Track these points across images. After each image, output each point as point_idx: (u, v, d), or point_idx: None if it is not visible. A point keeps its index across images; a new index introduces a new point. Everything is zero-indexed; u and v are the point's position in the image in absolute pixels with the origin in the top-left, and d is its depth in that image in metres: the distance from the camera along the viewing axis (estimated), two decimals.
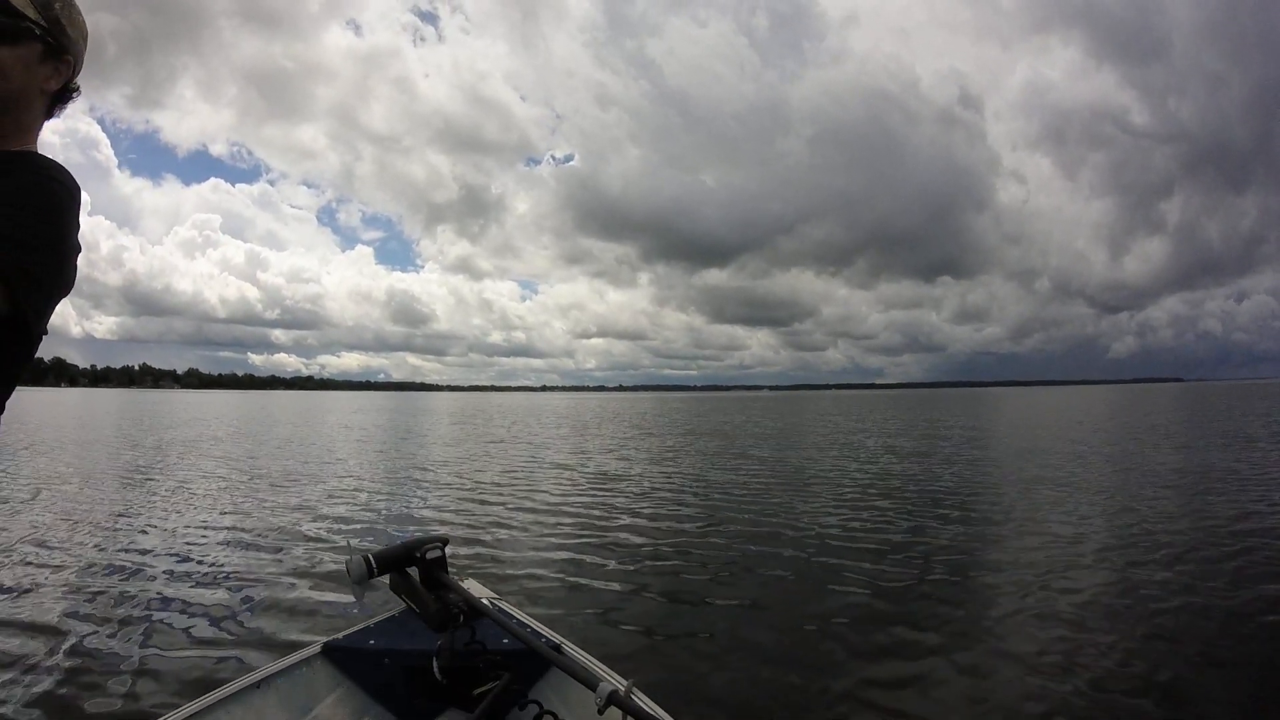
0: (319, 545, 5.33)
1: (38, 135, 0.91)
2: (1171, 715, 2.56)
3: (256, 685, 1.58)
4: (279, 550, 5.16)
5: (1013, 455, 11.58)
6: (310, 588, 4.18)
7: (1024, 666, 2.95)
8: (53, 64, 0.88)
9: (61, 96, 0.93)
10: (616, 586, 4.19)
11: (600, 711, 1.19)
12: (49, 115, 0.93)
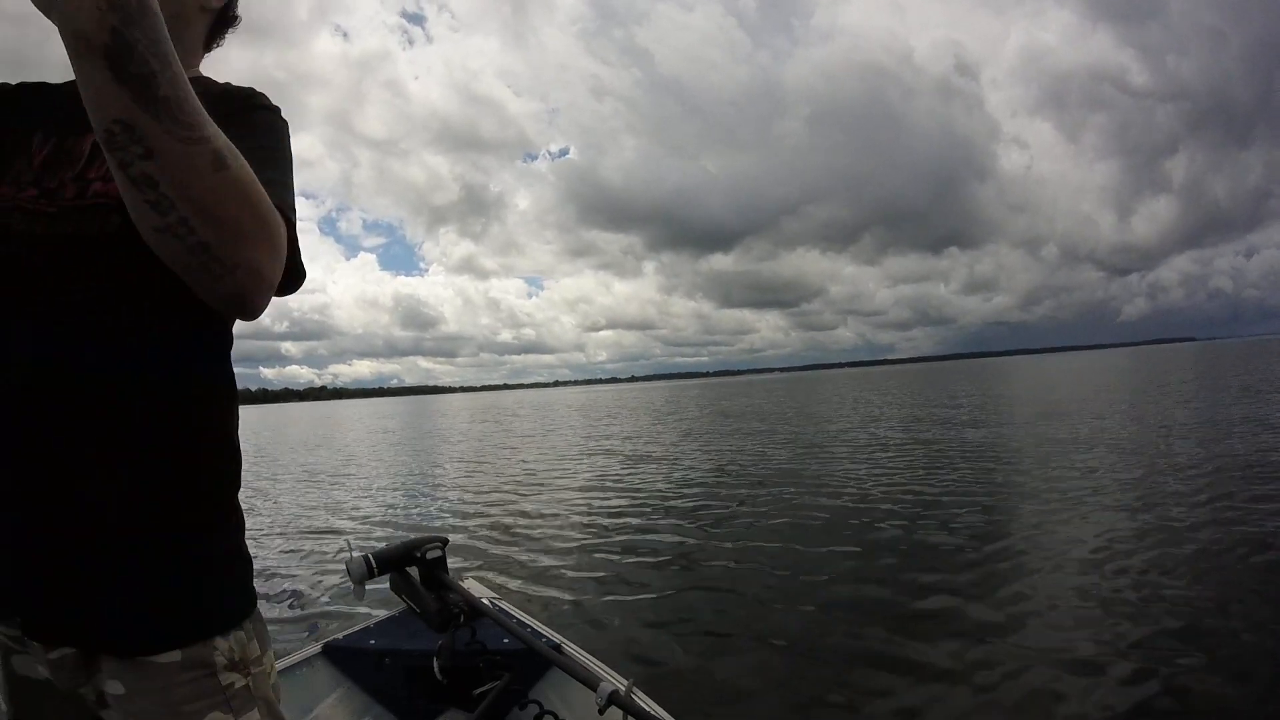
0: (319, 545, 5.37)
1: (201, 59, 0.85)
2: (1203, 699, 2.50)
3: None
4: (279, 550, 5.21)
5: (1033, 429, 11.45)
6: (310, 588, 4.21)
7: (1049, 663, 2.83)
8: None
9: (223, 23, 0.87)
10: (616, 585, 4.16)
11: (600, 711, 1.18)
12: (208, 46, 0.86)
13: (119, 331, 0.67)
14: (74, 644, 0.71)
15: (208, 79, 0.83)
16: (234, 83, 0.81)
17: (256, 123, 0.75)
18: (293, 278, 0.73)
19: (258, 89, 0.79)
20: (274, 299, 0.72)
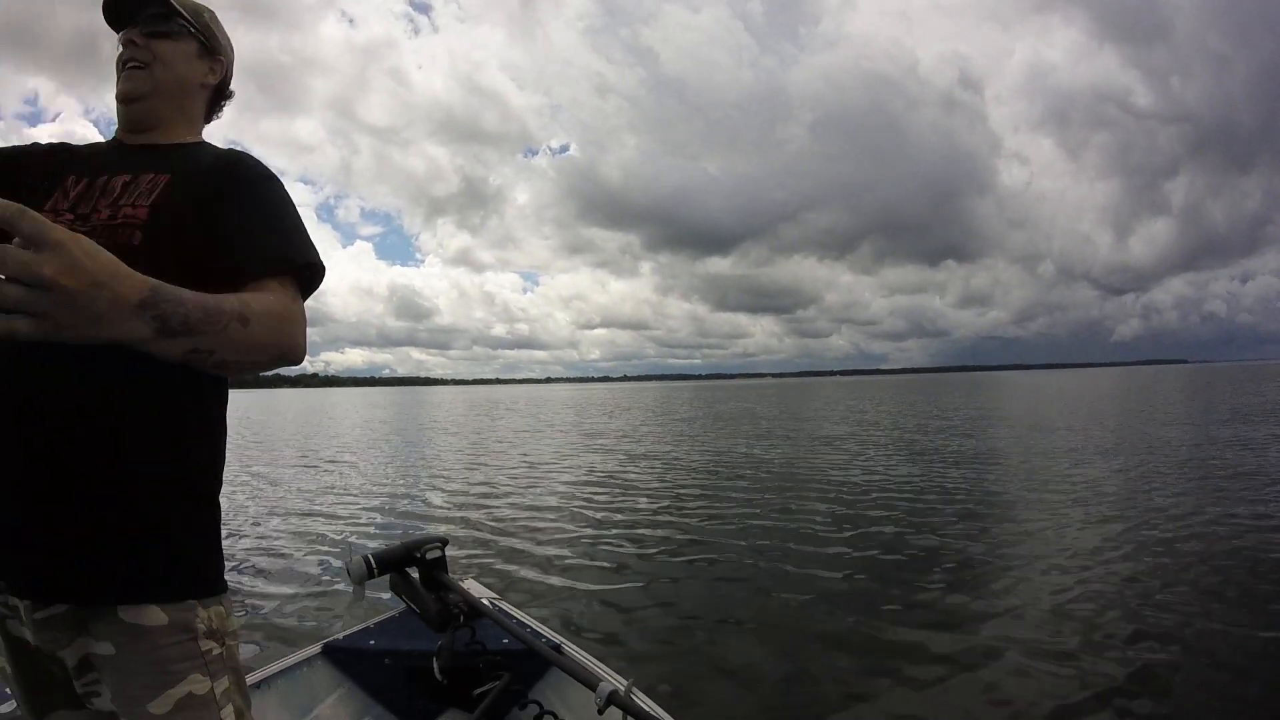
0: (319, 545, 5.34)
1: (202, 127, 1.05)
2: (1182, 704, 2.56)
3: (256, 685, 1.58)
4: (279, 550, 5.17)
5: (1023, 441, 11.51)
6: (310, 588, 4.18)
7: (1040, 666, 2.88)
8: (208, 62, 1.02)
9: (218, 98, 1.07)
10: (616, 585, 4.17)
11: (600, 711, 1.19)
12: (208, 117, 1.07)
13: None
14: (67, 600, 0.81)
15: (210, 145, 1.02)
16: (234, 139, 0.99)
17: (266, 198, 0.92)
18: (315, 277, 0.92)
19: (254, 155, 0.97)
20: None
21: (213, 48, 1.02)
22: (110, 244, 0.80)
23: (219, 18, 1.05)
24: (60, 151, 0.94)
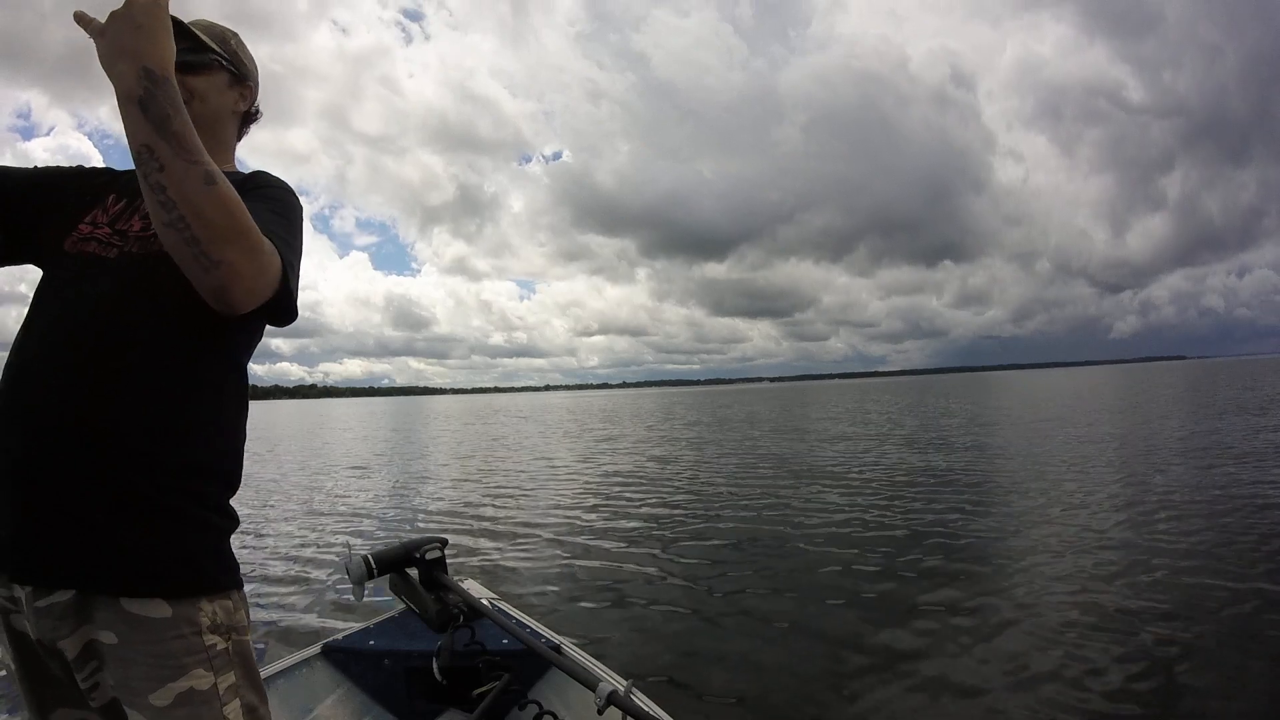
0: (319, 546, 5.35)
1: (234, 153, 1.10)
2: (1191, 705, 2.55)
3: None
4: (278, 551, 5.18)
5: (1023, 440, 11.51)
6: (310, 588, 4.19)
7: (1044, 666, 2.86)
8: (238, 90, 1.06)
9: (247, 119, 1.12)
10: (615, 585, 4.17)
11: (600, 711, 1.19)
12: (238, 136, 1.11)
13: (161, 331, 0.85)
14: (70, 585, 0.80)
15: (239, 171, 1.05)
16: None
17: (271, 195, 0.96)
18: (285, 310, 0.91)
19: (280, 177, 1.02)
20: (272, 328, 0.97)
21: (242, 75, 1.06)
22: (144, 252, 0.88)
23: (241, 39, 1.07)
24: (104, 174, 1.02)
